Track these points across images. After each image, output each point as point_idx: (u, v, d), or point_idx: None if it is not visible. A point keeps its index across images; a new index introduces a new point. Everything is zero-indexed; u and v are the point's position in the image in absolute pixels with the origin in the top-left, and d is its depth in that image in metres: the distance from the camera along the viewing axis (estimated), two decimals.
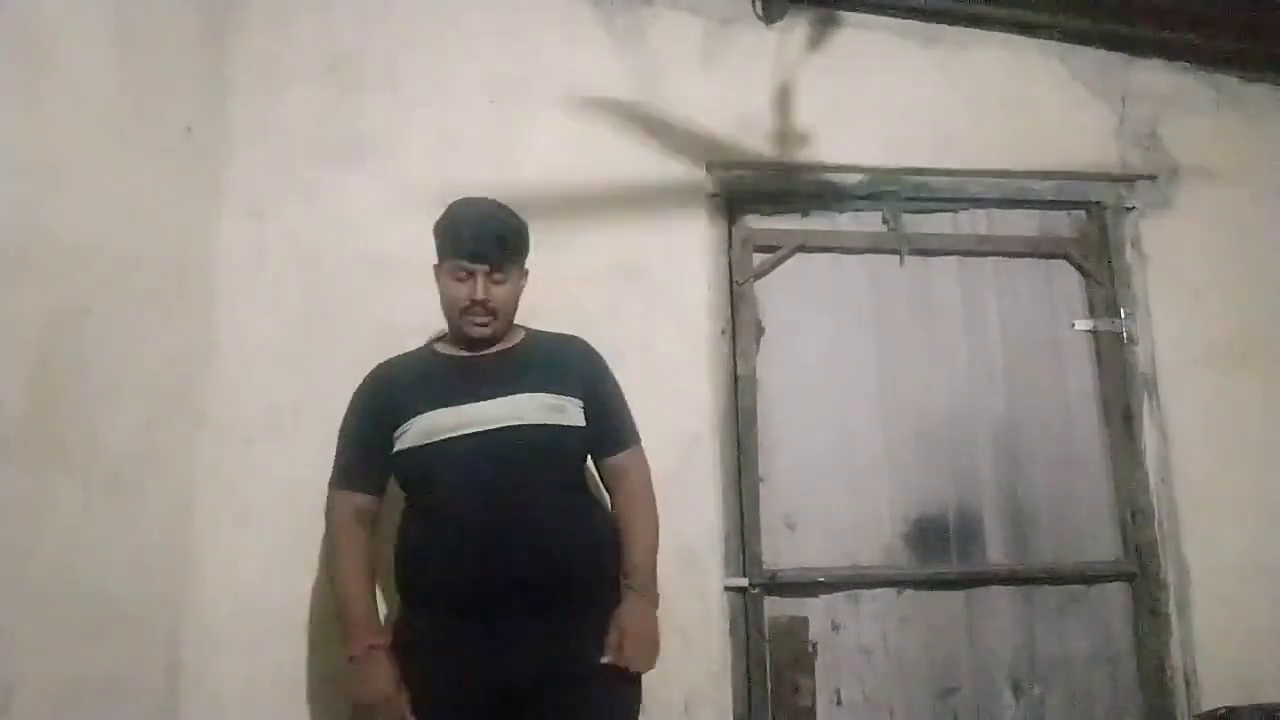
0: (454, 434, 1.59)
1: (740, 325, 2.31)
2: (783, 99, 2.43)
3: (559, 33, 2.38)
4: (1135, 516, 2.36)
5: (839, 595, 2.23)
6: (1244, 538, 2.36)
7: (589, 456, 1.74)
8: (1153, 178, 2.54)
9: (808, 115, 2.42)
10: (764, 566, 2.19)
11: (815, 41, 2.48)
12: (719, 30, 2.45)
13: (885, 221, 2.44)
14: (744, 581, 2.16)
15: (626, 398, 1.80)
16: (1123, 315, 2.45)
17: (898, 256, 2.43)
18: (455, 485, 1.57)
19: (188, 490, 1.97)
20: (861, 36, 2.51)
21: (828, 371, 2.35)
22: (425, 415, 1.61)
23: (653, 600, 1.68)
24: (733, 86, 2.42)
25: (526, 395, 1.62)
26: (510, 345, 1.73)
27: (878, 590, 2.25)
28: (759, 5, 2.48)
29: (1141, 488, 2.36)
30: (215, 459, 2.02)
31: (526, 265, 1.75)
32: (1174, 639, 2.29)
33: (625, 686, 1.60)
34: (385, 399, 1.68)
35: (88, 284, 1.62)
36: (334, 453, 1.71)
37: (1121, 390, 2.42)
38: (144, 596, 1.80)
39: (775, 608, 2.20)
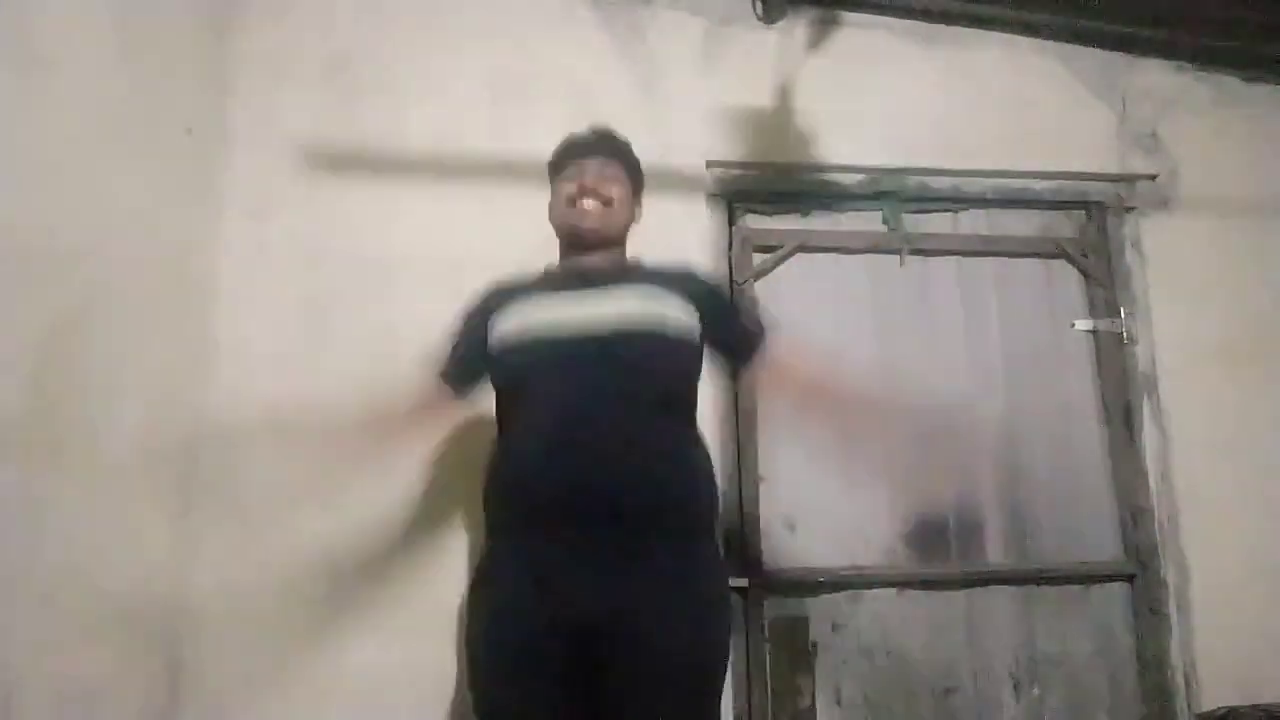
0: (554, 333, 1.48)
1: None
2: (783, 99, 2.43)
3: (559, 33, 2.38)
4: (1135, 516, 2.36)
5: (839, 595, 2.23)
6: (1244, 538, 2.36)
7: (736, 361, 1.65)
8: (1153, 178, 2.54)
9: (808, 115, 2.42)
10: (764, 566, 2.19)
11: (815, 41, 2.48)
12: (719, 30, 2.45)
13: (885, 221, 2.44)
14: (744, 581, 2.16)
15: None
16: (1123, 315, 2.45)
17: (898, 256, 2.43)
18: (550, 392, 1.44)
19: (188, 490, 1.97)
20: (861, 36, 2.51)
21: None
22: (518, 306, 1.54)
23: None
24: (733, 86, 2.42)
25: (635, 294, 1.51)
26: (618, 259, 1.64)
27: (878, 590, 2.25)
28: (759, 5, 2.48)
29: (1141, 488, 2.36)
30: (215, 459, 2.02)
31: (641, 202, 1.69)
32: (1174, 639, 2.29)
33: (711, 643, 1.44)
34: (488, 297, 1.63)
35: (88, 284, 1.62)
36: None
37: (1121, 390, 2.42)
38: (144, 596, 1.80)
39: (775, 608, 2.20)
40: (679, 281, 1.58)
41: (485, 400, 1.60)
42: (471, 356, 1.60)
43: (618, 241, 1.64)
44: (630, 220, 1.66)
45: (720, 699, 1.44)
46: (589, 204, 1.58)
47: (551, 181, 1.67)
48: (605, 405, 1.42)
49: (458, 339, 1.64)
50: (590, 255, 1.60)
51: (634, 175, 1.67)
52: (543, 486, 1.40)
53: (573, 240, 1.61)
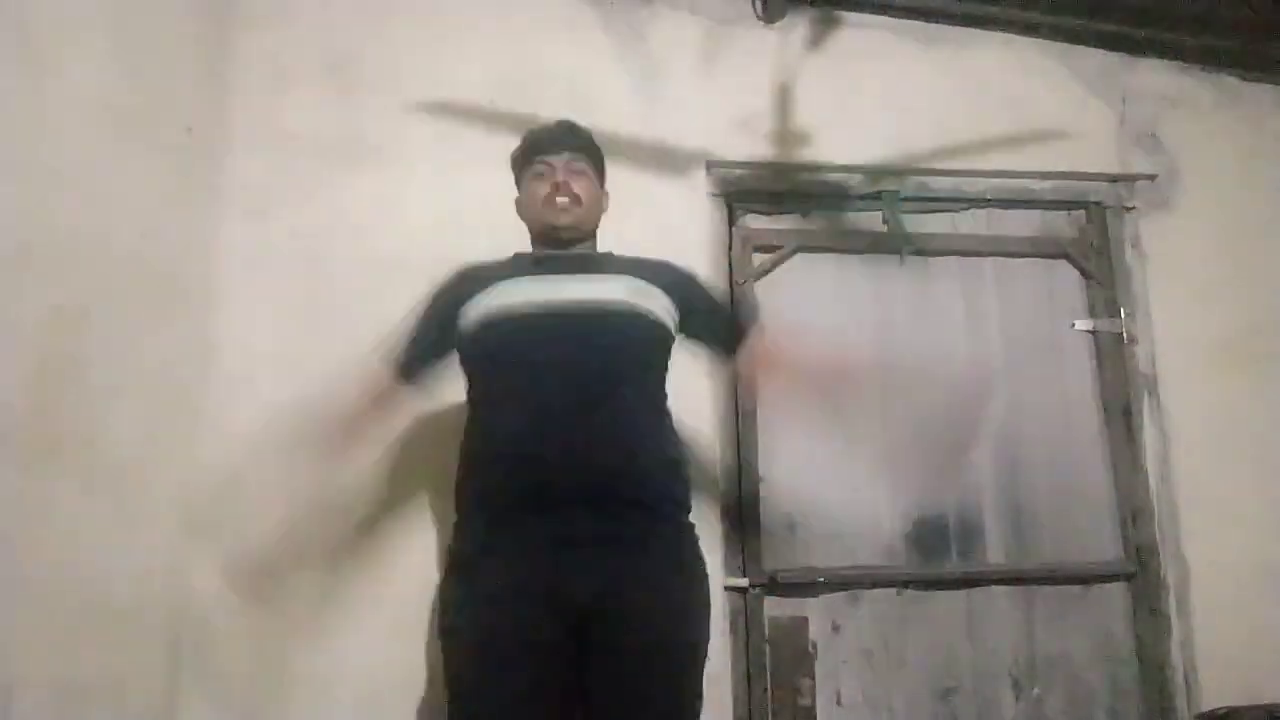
0: (530, 311, 1.50)
1: None
2: (783, 99, 2.43)
3: (559, 33, 2.38)
4: (1135, 516, 2.36)
5: (839, 595, 2.23)
6: (1244, 538, 2.36)
7: (721, 350, 1.68)
8: (1153, 178, 2.54)
9: (808, 115, 2.42)
10: (764, 566, 2.19)
11: (815, 41, 2.48)
12: (719, 30, 2.45)
13: (885, 221, 2.44)
14: (744, 581, 2.16)
15: None
16: (1123, 315, 2.45)
17: (898, 256, 2.43)
18: (530, 367, 1.46)
19: (188, 490, 1.97)
20: (862, 36, 2.51)
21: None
22: (497, 286, 1.54)
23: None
24: (733, 86, 2.42)
25: (614, 279, 1.55)
26: (593, 250, 1.67)
27: (878, 590, 2.25)
28: (759, 5, 2.48)
29: (1141, 488, 2.36)
30: (215, 459, 2.02)
31: (606, 189, 1.71)
32: (1174, 639, 2.29)
33: (694, 617, 1.49)
34: (458, 281, 1.62)
35: (88, 284, 1.62)
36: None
37: (1121, 390, 2.42)
38: (144, 596, 1.80)
39: (775, 608, 2.19)
40: (654, 272, 1.62)
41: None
42: (435, 341, 1.61)
43: (591, 234, 1.68)
44: (601, 212, 1.70)
45: (704, 669, 1.48)
46: (562, 201, 1.60)
47: (517, 176, 1.70)
48: (586, 385, 1.45)
49: (420, 325, 1.64)
50: (566, 248, 1.64)
51: (599, 166, 1.71)
52: (526, 467, 1.42)
53: (548, 237, 1.64)
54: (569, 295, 1.52)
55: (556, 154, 1.63)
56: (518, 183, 1.70)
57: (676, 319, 1.60)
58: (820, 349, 1.74)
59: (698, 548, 1.55)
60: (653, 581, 1.43)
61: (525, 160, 1.67)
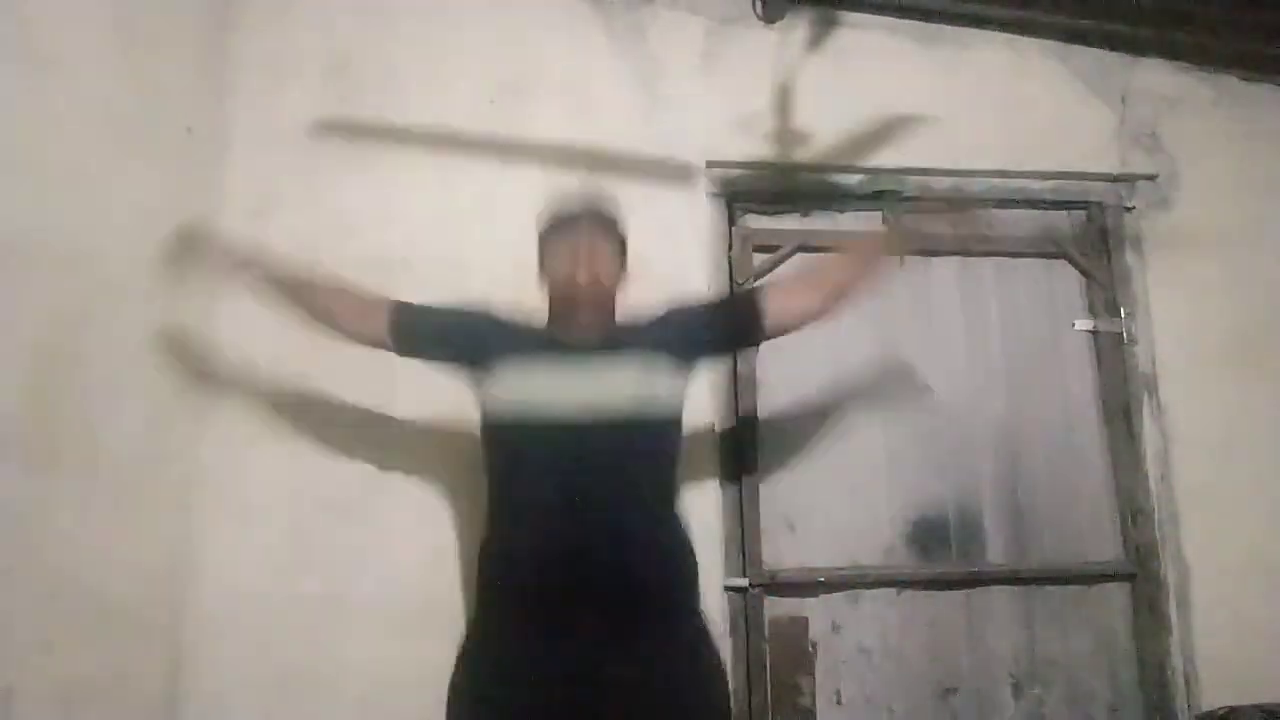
0: (550, 416, 1.55)
1: None
2: (783, 99, 2.43)
3: (559, 33, 2.38)
4: (1135, 516, 2.36)
5: (839, 595, 2.23)
6: (1244, 538, 2.36)
7: (742, 338, 1.80)
8: (1153, 178, 2.54)
9: (808, 115, 2.42)
10: (764, 566, 2.19)
11: (815, 41, 2.48)
12: (719, 30, 2.45)
13: (885, 221, 2.44)
14: (744, 581, 2.16)
15: None
16: (1123, 315, 2.45)
17: (898, 257, 2.42)
18: (545, 483, 1.52)
19: (188, 490, 1.97)
20: (861, 36, 2.51)
21: (828, 372, 2.34)
22: (518, 365, 1.59)
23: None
24: (733, 86, 2.42)
25: (628, 369, 1.59)
26: (611, 322, 1.70)
27: (878, 590, 2.25)
28: (759, 5, 2.48)
29: (1141, 488, 2.36)
30: (215, 459, 2.02)
31: (625, 270, 1.73)
32: (1174, 639, 2.29)
33: (708, 712, 1.56)
34: (485, 319, 1.70)
35: (88, 284, 1.62)
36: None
37: (1121, 390, 2.42)
38: (144, 596, 1.80)
39: (775, 608, 2.19)
40: (664, 331, 1.67)
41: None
42: (439, 325, 1.70)
43: (610, 308, 1.70)
44: (618, 285, 1.71)
45: None
46: (584, 279, 1.62)
47: (541, 244, 1.71)
48: (601, 493, 1.51)
49: (437, 311, 1.71)
50: (583, 321, 1.65)
51: (621, 243, 1.73)
52: (541, 578, 1.48)
53: (568, 311, 1.66)
54: (582, 396, 1.55)
55: (582, 233, 1.66)
56: (540, 257, 1.71)
57: (687, 378, 1.67)
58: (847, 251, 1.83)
59: (712, 641, 1.62)
60: (673, 684, 1.49)
61: (550, 233, 1.69)
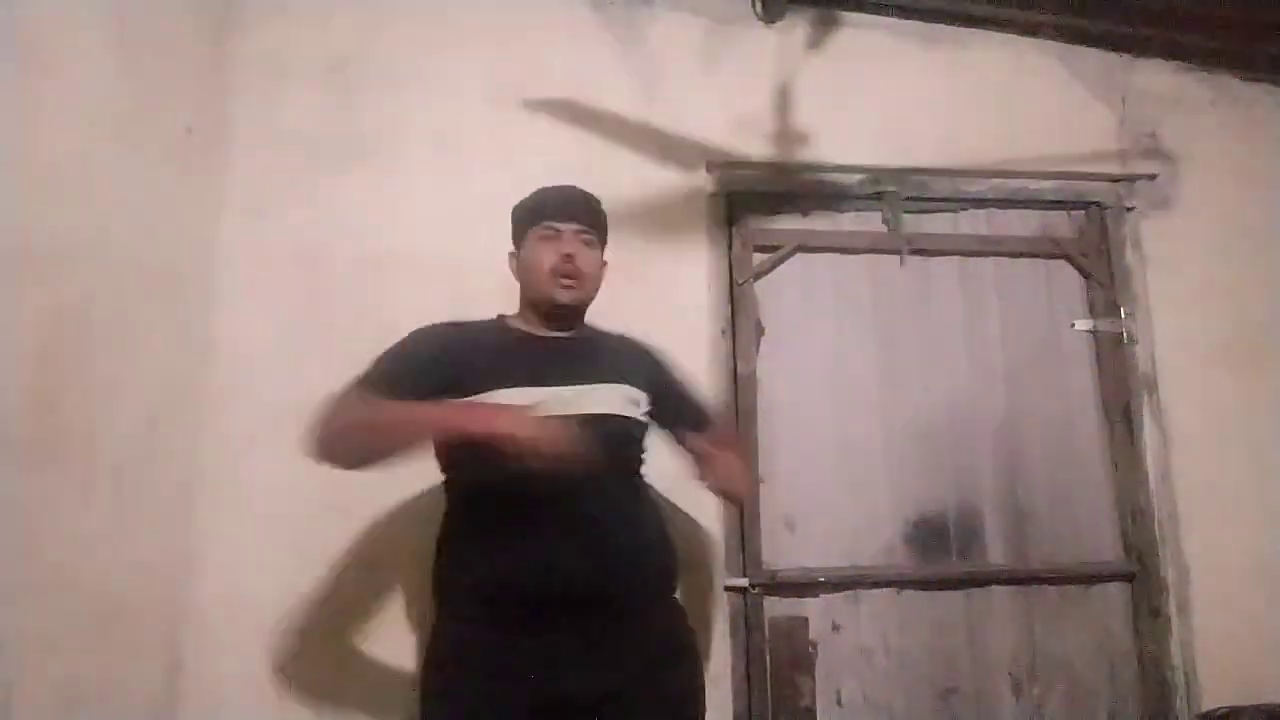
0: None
1: (740, 325, 2.31)
2: (783, 99, 2.43)
3: (559, 33, 2.38)
4: (1135, 516, 2.36)
5: (839, 595, 2.23)
6: (1244, 538, 2.36)
7: (682, 433, 1.67)
8: (1153, 178, 2.54)
9: (808, 115, 2.42)
10: (764, 566, 2.19)
11: (815, 41, 2.48)
12: (719, 30, 2.45)
13: (885, 221, 2.44)
14: (744, 581, 2.16)
15: None
16: (1123, 315, 2.45)
17: (898, 256, 2.43)
18: (546, 497, 1.41)
19: (188, 490, 1.97)
20: (861, 36, 2.51)
21: (828, 372, 2.34)
22: (501, 393, 1.47)
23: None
24: (733, 86, 2.42)
25: (609, 385, 1.57)
26: (584, 334, 1.67)
27: (878, 590, 2.25)
28: (759, 5, 2.48)
29: (1141, 488, 2.36)
30: (215, 459, 2.02)
31: (605, 258, 1.70)
32: (1174, 639, 2.29)
33: (690, 708, 1.55)
34: (454, 355, 1.53)
35: (88, 284, 1.62)
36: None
37: (1121, 390, 2.42)
38: (144, 596, 1.80)
39: (775, 608, 2.19)
40: (635, 370, 1.65)
41: None
42: (410, 377, 1.49)
43: (587, 303, 1.68)
44: (598, 287, 1.68)
45: None
46: (566, 282, 1.59)
47: (521, 233, 1.66)
48: (592, 488, 1.45)
49: (403, 364, 1.52)
50: (560, 330, 1.63)
51: (603, 237, 1.70)
52: (554, 584, 1.43)
53: (546, 310, 1.62)
54: (568, 403, 1.48)
55: (565, 222, 1.61)
56: (517, 238, 1.67)
57: (650, 413, 1.65)
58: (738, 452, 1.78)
59: (685, 620, 1.62)
60: (657, 676, 1.48)
61: (531, 220, 1.64)
